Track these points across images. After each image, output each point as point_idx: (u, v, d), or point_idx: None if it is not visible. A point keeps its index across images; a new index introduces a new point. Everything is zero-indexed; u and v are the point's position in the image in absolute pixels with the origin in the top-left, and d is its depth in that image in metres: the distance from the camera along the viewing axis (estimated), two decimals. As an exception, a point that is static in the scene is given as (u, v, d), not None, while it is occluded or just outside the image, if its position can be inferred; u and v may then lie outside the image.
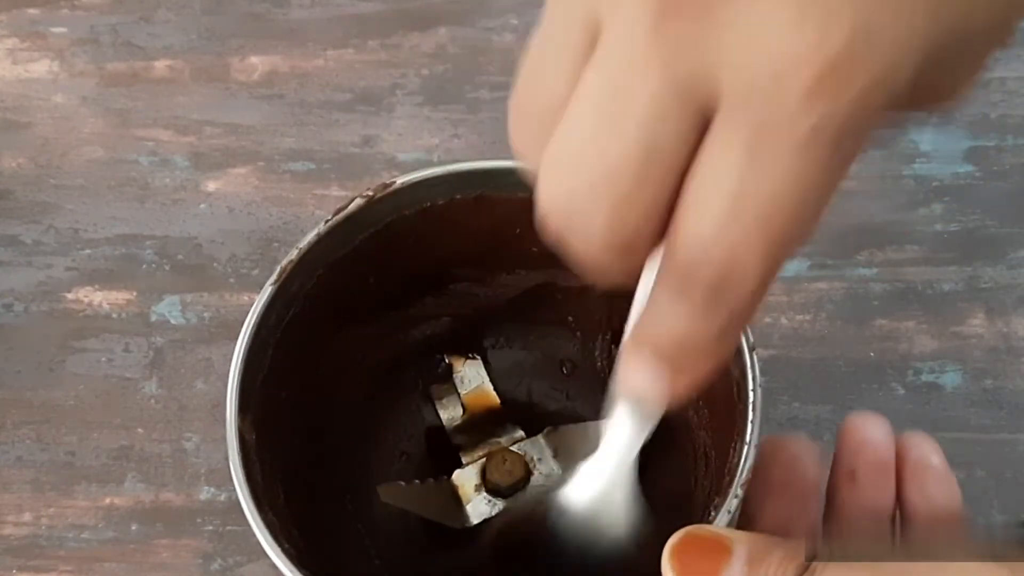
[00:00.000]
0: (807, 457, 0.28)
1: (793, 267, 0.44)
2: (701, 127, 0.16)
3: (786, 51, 0.15)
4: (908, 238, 0.44)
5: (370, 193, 0.30)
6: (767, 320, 0.42)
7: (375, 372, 0.36)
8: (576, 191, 0.17)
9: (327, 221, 0.30)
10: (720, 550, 0.23)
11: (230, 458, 0.27)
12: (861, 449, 0.28)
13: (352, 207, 0.30)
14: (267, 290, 0.29)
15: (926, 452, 0.28)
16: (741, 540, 0.23)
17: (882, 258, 0.44)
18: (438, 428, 0.36)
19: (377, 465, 0.36)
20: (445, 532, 0.34)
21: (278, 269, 0.29)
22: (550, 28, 0.18)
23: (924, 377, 0.41)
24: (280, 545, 0.26)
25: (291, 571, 0.26)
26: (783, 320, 0.42)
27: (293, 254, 0.30)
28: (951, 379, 0.41)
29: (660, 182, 0.17)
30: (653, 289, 0.18)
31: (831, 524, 0.28)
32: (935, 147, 0.46)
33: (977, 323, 0.42)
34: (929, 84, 0.17)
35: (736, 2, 0.15)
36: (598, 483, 0.25)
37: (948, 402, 0.41)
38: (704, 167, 0.17)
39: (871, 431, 0.28)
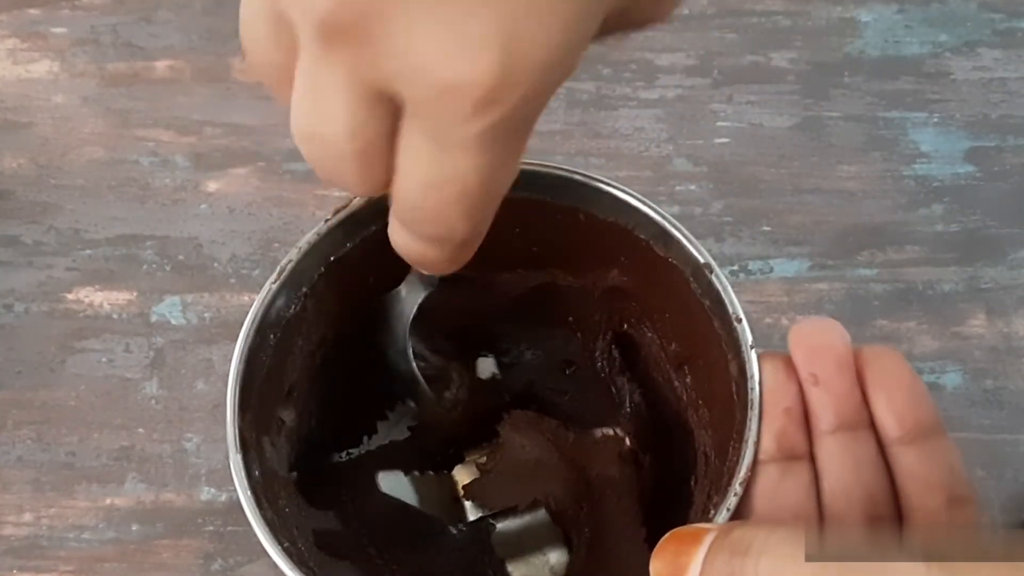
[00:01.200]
0: (778, 371, 0.27)
1: (793, 267, 0.44)
2: (397, 113, 0.20)
3: (450, 78, 0.18)
4: (909, 238, 0.44)
5: None
6: (767, 321, 0.42)
7: (377, 371, 0.36)
8: (309, 148, 0.21)
9: (327, 220, 0.30)
10: (694, 541, 0.23)
11: (230, 456, 0.27)
12: (817, 354, 0.27)
13: (353, 206, 0.30)
14: (268, 288, 0.29)
15: (890, 363, 0.27)
16: (714, 529, 0.24)
17: (883, 258, 0.44)
18: (440, 424, 0.36)
19: (377, 464, 0.36)
20: (444, 529, 0.34)
21: (278, 268, 0.29)
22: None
23: (925, 377, 0.41)
24: (280, 544, 0.26)
25: (291, 570, 0.26)
26: (784, 321, 0.42)
27: (293, 253, 0.30)
28: (952, 379, 0.41)
29: (366, 153, 0.21)
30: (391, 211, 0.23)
31: (809, 433, 0.27)
32: (936, 147, 0.46)
33: (978, 323, 0.42)
34: (614, 26, 0.20)
35: (395, 31, 0.18)
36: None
37: (949, 402, 0.41)
38: (404, 152, 0.21)
39: (825, 336, 0.27)
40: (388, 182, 0.22)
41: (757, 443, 0.27)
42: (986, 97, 0.47)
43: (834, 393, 0.27)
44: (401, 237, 0.24)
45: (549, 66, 0.19)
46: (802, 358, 0.27)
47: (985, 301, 0.43)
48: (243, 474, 0.27)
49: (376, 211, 0.31)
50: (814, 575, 0.21)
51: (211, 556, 0.38)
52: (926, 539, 0.22)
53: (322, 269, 0.30)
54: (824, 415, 0.27)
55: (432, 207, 0.21)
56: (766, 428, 0.27)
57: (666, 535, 0.24)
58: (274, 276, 0.29)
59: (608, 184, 0.30)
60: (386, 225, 0.31)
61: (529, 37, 0.18)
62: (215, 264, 0.44)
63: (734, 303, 0.28)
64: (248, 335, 0.29)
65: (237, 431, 0.27)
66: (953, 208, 0.45)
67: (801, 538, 0.22)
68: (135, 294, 0.43)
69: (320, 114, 0.20)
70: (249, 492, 0.27)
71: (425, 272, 0.26)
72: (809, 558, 0.21)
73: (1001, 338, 0.42)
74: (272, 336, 0.30)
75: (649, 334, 0.35)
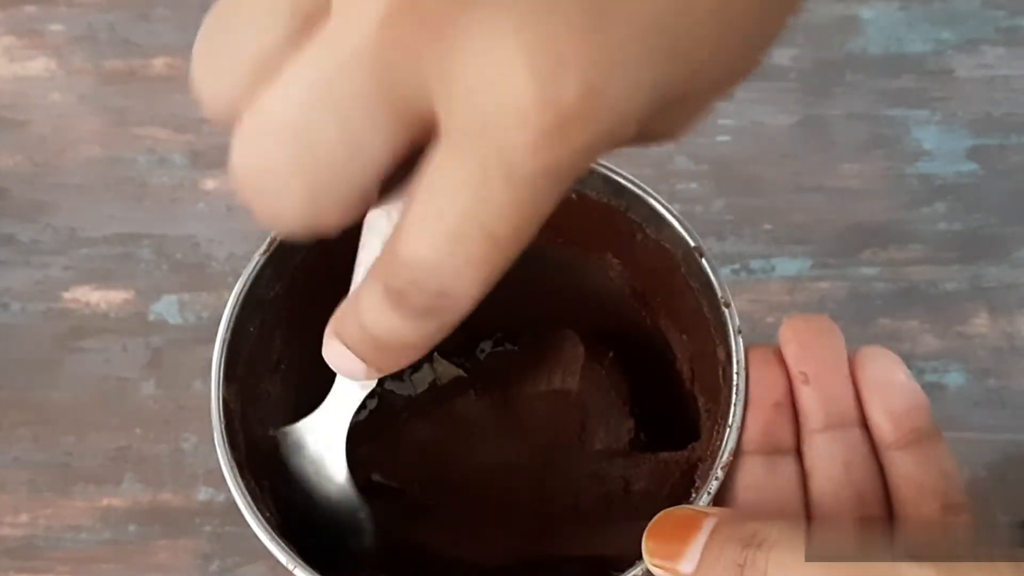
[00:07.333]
0: (769, 365, 0.27)
1: (795, 266, 0.43)
2: (414, 135, 0.17)
3: (518, 101, 0.16)
4: (911, 237, 0.44)
5: None
6: (769, 320, 0.42)
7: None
8: (274, 167, 0.18)
9: None
10: (692, 525, 0.23)
11: (213, 426, 0.27)
12: (808, 352, 0.27)
13: None
14: (256, 260, 0.29)
15: (886, 365, 0.27)
16: (713, 514, 0.24)
17: (885, 257, 0.44)
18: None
19: (361, 439, 0.36)
20: (424, 506, 0.34)
21: (267, 239, 0.29)
22: None
23: (928, 377, 0.41)
24: (261, 514, 0.26)
25: (271, 539, 0.26)
26: (786, 320, 0.42)
27: None
28: (954, 379, 0.41)
29: (360, 178, 0.17)
30: (366, 283, 0.19)
31: (798, 431, 0.27)
32: (938, 145, 0.46)
33: (980, 323, 0.42)
34: (651, 126, 0.18)
35: (467, 37, 0.16)
36: (319, 432, 0.27)
37: (952, 402, 0.40)
38: (430, 186, 0.17)
39: (816, 334, 0.27)
40: (352, 214, 0.18)
41: (741, 429, 0.27)
42: (989, 95, 0.47)
43: (824, 393, 0.27)
44: (379, 318, 0.19)
45: (626, 111, 0.17)
46: (792, 356, 0.27)
47: (988, 300, 0.43)
48: (226, 444, 0.27)
49: None
50: (823, 574, 0.21)
51: (209, 557, 0.38)
52: (930, 542, 0.22)
53: (311, 242, 0.30)
54: (814, 414, 0.27)
55: (450, 264, 0.17)
56: (754, 420, 0.27)
57: (660, 514, 0.24)
58: (264, 247, 0.29)
59: (601, 165, 0.30)
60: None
61: (618, 75, 0.16)
62: (213, 263, 0.44)
63: (722, 287, 0.28)
64: (235, 306, 0.29)
65: (221, 401, 0.27)
66: (956, 206, 0.45)
67: (813, 535, 0.22)
68: (132, 293, 0.43)
69: (320, 114, 0.17)
70: (232, 462, 0.27)
71: (372, 376, 0.22)
72: (812, 557, 0.21)
73: (1004, 337, 0.42)
74: (260, 308, 0.29)
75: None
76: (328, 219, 0.18)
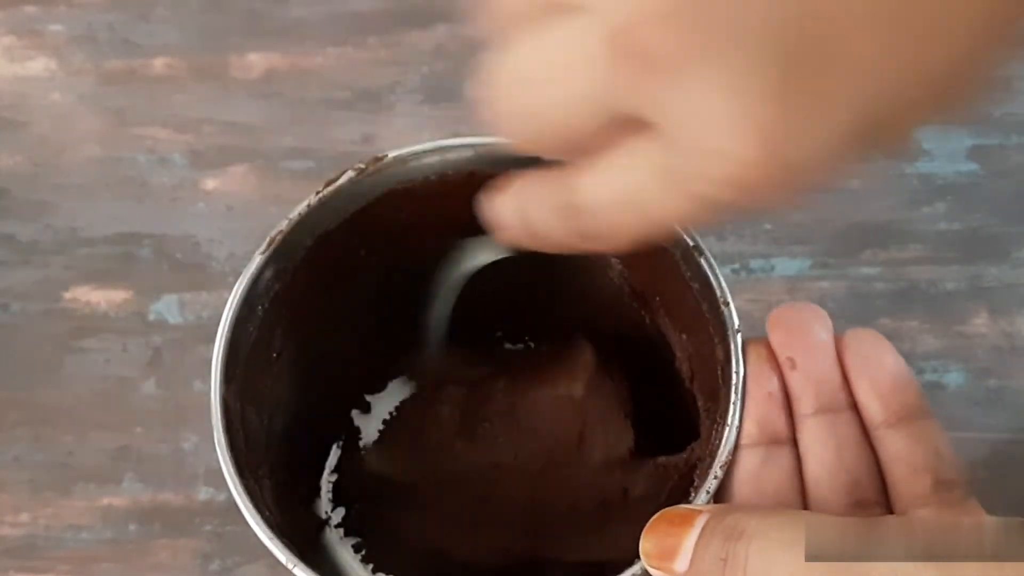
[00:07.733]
0: (762, 357, 0.27)
1: (795, 266, 0.43)
2: (617, 122, 0.20)
3: (724, 151, 0.18)
4: (911, 237, 0.44)
5: (361, 166, 0.30)
6: (769, 319, 0.42)
7: (366, 345, 0.36)
8: (518, 110, 0.22)
9: (318, 193, 0.30)
10: (685, 523, 0.24)
11: (213, 426, 0.27)
12: (793, 338, 0.27)
13: (343, 180, 0.30)
14: (256, 260, 0.29)
15: (872, 345, 0.27)
16: (707, 511, 0.24)
17: (885, 257, 0.44)
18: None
19: (363, 438, 0.36)
20: (422, 505, 0.34)
21: (267, 239, 0.29)
22: None
23: (927, 376, 0.41)
24: (261, 513, 0.26)
25: (270, 538, 0.26)
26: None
27: (283, 225, 0.29)
28: (954, 379, 0.41)
29: (575, 136, 0.21)
30: (543, 186, 0.23)
31: (793, 418, 0.27)
32: (938, 145, 0.46)
33: (980, 323, 0.42)
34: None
35: (687, 85, 0.18)
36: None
37: (951, 402, 0.40)
38: (627, 158, 0.20)
39: (801, 319, 0.27)
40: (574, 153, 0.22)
41: (739, 427, 0.27)
42: (988, 95, 0.47)
43: (812, 376, 0.27)
44: (541, 216, 0.23)
45: (809, 177, 0.19)
46: (778, 342, 0.27)
47: (988, 300, 0.43)
48: (226, 444, 0.27)
49: (366, 187, 0.31)
50: (806, 565, 0.21)
51: (209, 556, 0.38)
52: (919, 534, 0.22)
53: (311, 242, 0.30)
54: (804, 398, 0.27)
55: (608, 215, 0.21)
56: (749, 413, 0.27)
57: (656, 515, 0.24)
58: (263, 247, 0.29)
59: None
60: (376, 199, 0.31)
61: (802, 142, 0.18)
62: (213, 263, 0.44)
63: (722, 286, 0.28)
64: (235, 306, 0.29)
65: (221, 399, 0.27)
66: (956, 206, 0.45)
67: (794, 524, 0.22)
68: (132, 293, 0.43)
69: (554, 86, 0.20)
70: (231, 462, 0.27)
71: (510, 244, 0.26)
72: (809, 558, 0.21)
73: (1004, 337, 0.42)
74: (260, 307, 0.30)
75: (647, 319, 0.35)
76: (548, 152, 0.23)
